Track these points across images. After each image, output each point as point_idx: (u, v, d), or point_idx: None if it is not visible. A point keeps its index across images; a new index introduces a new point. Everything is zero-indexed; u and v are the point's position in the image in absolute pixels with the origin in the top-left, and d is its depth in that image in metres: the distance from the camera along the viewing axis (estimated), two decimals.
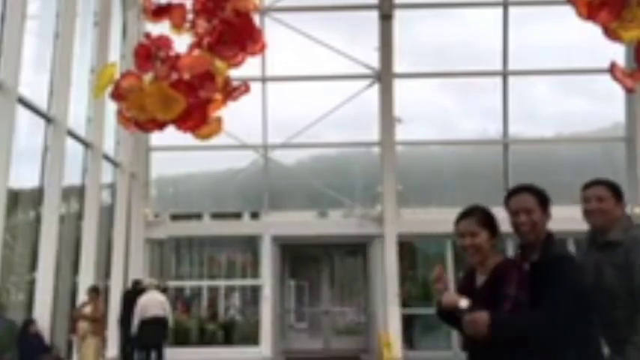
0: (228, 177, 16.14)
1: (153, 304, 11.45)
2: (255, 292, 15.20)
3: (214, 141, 8.19)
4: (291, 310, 16.42)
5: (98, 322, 10.48)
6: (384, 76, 15.06)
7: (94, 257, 12.00)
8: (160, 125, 6.49)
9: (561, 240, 3.39)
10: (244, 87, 7.04)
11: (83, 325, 10.30)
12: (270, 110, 15.32)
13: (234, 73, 7.20)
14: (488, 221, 3.26)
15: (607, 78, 6.52)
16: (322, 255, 16.36)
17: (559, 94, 16.23)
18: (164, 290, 13.02)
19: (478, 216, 3.27)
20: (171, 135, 8.20)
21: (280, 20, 14.91)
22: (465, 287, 3.30)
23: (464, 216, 3.30)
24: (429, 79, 15.92)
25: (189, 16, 6.54)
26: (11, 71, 8.90)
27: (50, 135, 10.70)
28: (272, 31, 13.82)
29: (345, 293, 16.54)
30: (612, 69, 6.10)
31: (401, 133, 15.20)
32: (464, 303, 3.10)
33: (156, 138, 14.36)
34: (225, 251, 16.12)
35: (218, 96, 6.68)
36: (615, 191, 3.52)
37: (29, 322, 9.65)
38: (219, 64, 6.58)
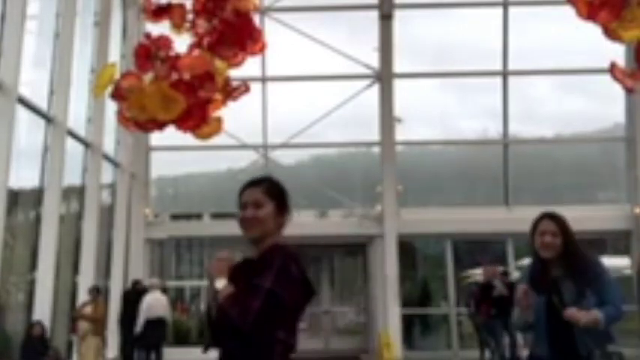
0: (228, 177, 16.12)
1: (158, 304, 11.45)
2: None
3: (214, 141, 8.21)
4: None
5: (98, 322, 10.47)
6: (384, 76, 15.04)
7: (94, 257, 11.99)
8: (160, 125, 6.51)
9: None
10: (244, 87, 7.07)
11: (83, 325, 10.29)
12: (270, 110, 15.31)
13: (234, 73, 7.21)
14: (277, 194, 2.80)
15: (607, 78, 6.53)
16: (322, 255, 16.33)
17: (559, 94, 16.23)
18: (164, 290, 13.02)
19: (267, 186, 2.81)
20: (171, 135, 8.22)
21: (280, 20, 14.90)
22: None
23: (250, 185, 2.84)
24: (429, 79, 15.90)
25: (189, 16, 6.56)
26: (11, 71, 8.89)
27: (50, 135, 10.69)
28: (272, 31, 13.80)
29: (345, 293, 16.51)
30: (612, 69, 6.12)
31: (401, 133, 15.19)
32: (219, 284, 2.73)
33: (156, 138, 14.33)
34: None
35: (218, 96, 6.70)
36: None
37: (32, 324, 9.64)
38: (219, 64, 6.60)
